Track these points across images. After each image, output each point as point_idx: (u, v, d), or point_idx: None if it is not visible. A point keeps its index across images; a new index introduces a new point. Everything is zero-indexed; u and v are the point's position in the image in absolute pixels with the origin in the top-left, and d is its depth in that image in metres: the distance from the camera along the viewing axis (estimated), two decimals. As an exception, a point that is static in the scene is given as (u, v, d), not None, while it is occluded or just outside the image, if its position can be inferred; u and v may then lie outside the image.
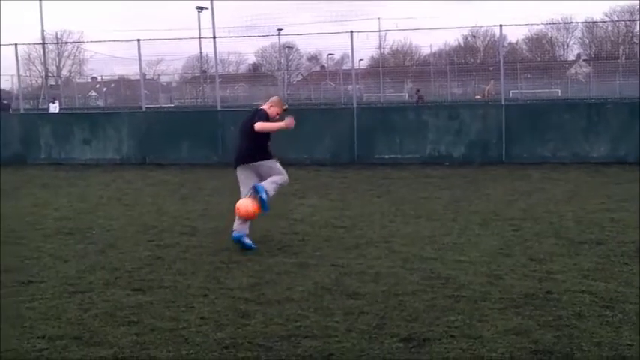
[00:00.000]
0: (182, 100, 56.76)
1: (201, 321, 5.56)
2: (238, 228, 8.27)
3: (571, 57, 75.06)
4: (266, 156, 8.51)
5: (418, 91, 32.29)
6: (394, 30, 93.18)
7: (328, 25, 61.10)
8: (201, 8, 57.28)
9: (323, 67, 75.49)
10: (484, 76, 51.46)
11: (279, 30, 59.80)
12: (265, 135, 8.49)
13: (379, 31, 60.00)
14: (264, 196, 8.27)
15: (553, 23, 75.79)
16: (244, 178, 8.50)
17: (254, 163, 8.44)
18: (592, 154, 16.61)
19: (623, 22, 74.79)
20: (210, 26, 50.01)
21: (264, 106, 8.77)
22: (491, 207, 10.68)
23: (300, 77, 77.92)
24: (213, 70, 28.13)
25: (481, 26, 64.89)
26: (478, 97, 40.38)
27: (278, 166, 8.61)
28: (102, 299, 6.19)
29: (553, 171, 15.15)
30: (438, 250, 7.90)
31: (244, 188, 8.47)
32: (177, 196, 12.79)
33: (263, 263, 7.41)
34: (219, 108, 19.94)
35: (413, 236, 8.69)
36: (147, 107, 22.61)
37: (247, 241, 8.19)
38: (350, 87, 23.94)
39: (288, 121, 8.35)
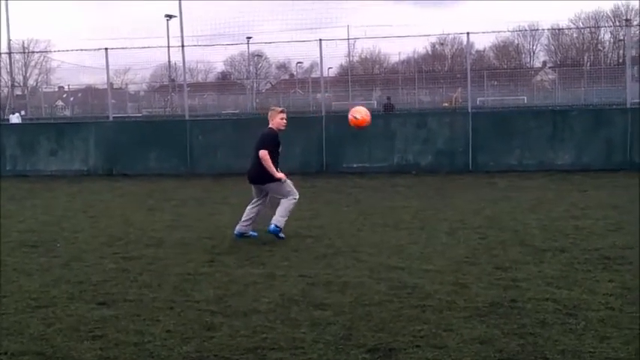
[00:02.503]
0: (150, 110, 56.37)
1: (166, 334, 5.51)
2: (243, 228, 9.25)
3: (537, 64, 75.94)
4: (266, 179, 9.16)
5: (389, 99, 32.37)
6: (363, 38, 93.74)
7: (297, 33, 61.28)
8: (170, 16, 57.01)
9: (292, 75, 75.53)
10: (452, 84, 51.88)
11: (249, 38, 59.65)
12: (271, 158, 9.11)
13: (348, 39, 60.11)
14: (280, 234, 9.12)
15: (520, 30, 76.72)
16: (256, 191, 9.43)
17: (261, 185, 9.27)
18: (557, 161, 16.83)
19: (588, 29, 75.98)
20: (179, 34, 49.76)
21: (270, 124, 9.44)
22: (458, 215, 10.75)
23: (268, 86, 77.82)
24: (182, 79, 27.97)
25: (449, 34, 65.39)
26: (446, 104, 40.68)
27: (284, 186, 9.18)
28: (65, 314, 6.12)
29: (519, 179, 15.33)
30: (405, 259, 7.94)
31: (256, 197, 9.42)
32: (144, 207, 12.70)
33: (230, 275, 7.38)
34: (187, 117, 19.84)
35: (380, 246, 8.72)
36: (114, 117, 22.45)
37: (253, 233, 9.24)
38: (319, 95, 23.96)
39: (282, 176, 9.13)
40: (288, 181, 9.24)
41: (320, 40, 18.59)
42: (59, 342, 5.41)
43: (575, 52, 76.80)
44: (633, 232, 9.12)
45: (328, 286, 6.84)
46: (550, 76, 59.73)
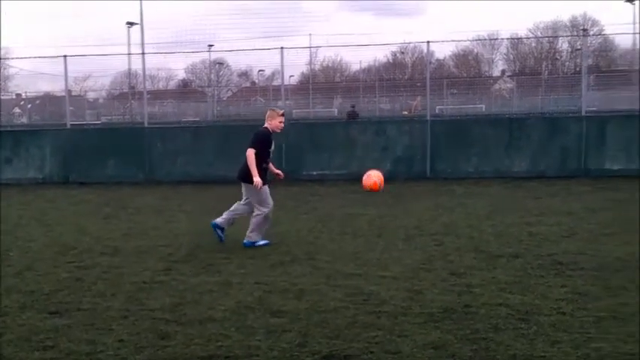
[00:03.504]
0: (109, 117, 55.78)
1: (119, 344, 5.45)
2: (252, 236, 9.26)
3: (496, 73, 76.91)
4: (245, 178, 9.14)
5: (353, 107, 32.46)
6: (325, 46, 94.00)
7: (259, 41, 61.20)
8: (131, 24, 56.66)
9: (253, 83, 75.37)
10: (412, 92, 52.24)
11: (210, 46, 59.57)
12: (260, 158, 9.10)
13: (310, 47, 60.30)
14: (258, 243, 9.22)
15: (479, 40, 77.60)
16: (242, 191, 9.41)
17: (242, 182, 9.28)
18: (513, 168, 17.07)
19: (546, 39, 77.21)
20: (140, 42, 49.46)
21: (266, 123, 9.37)
22: (415, 222, 10.83)
23: (230, 93, 77.55)
24: (142, 86, 27.75)
25: (409, 42, 65.83)
26: (405, 112, 40.94)
27: (260, 193, 9.17)
28: (17, 324, 6.02)
29: (476, 186, 15.50)
30: (362, 266, 7.97)
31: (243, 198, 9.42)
32: (100, 215, 12.56)
33: (186, 283, 7.33)
34: (146, 125, 19.67)
35: (337, 253, 8.74)
36: (72, 124, 22.16)
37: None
38: (280, 103, 23.97)
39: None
40: (266, 191, 9.23)
41: (282, 48, 18.62)
42: (10, 352, 5.33)
43: (534, 61, 78.01)
44: (586, 238, 9.29)
45: (284, 294, 6.83)
46: (508, 85, 60.56)
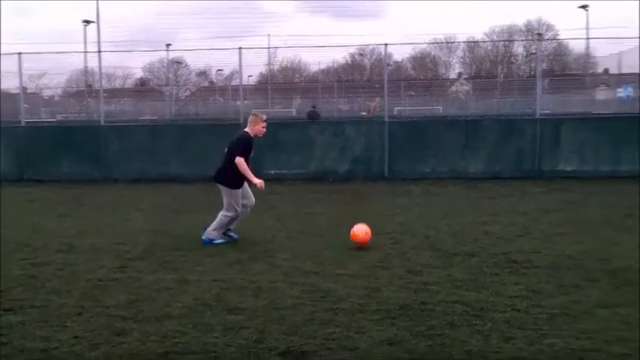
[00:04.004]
0: (65, 115, 54.93)
1: (74, 340, 5.40)
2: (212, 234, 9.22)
3: (453, 75, 77.65)
4: (230, 183, 9.19)
5: (314, 107, 32.46)
6: (283, 47, 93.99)
7: (218, 41, 60.87)
8: (87, 22, 55.88)
9: (212, 82, 74.90)
10: (370, 93, 52.43)
11: (168, 45, 59.11)
12: (234, 161, 9.09)
13: (268, 47, 60.23)
14: (216, 241, 9.25)
15: (436, 42, 78.30)
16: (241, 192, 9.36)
17: (219, 185, 9.28)
18: (469, 169, 17.27)
19: (502, 42, 78.26)
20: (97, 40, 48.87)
21: (248, 128, 9.34)
22: (372, 221, 10.85)
23: (188, 93, 76.96)
24: (99, 85, 27.40)
25: (368, 45, 66.24)
26: (364, 113, 41.09)
27: (234, 196, 9.22)
28: (-31, 321, 5.92)
29: (432, 186, 15.65)
30: (320, 264, 8.00)
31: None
32: (56, 212, 12.39)
33: (142, 280, 7.28)
34: (102, 123, 19.44)
35: (295, 251, 8.76)
36: (27, 122, 21.79)
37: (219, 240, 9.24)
38: (238, 103, 23.83)
39: (260, 183, 9.15)
40: (240, 194, 9.27)
41: (240, 48, 18.57)
42: (-39, 350, 5.23)
43: (490, 64, 79.03)
44: (539, 237, 9.46)
45: (242, 291, 6.83)
46: (465, 87, 61.18)
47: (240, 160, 9.10)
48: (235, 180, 9.23)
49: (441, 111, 45.12)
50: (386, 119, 18.37)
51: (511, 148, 17.23)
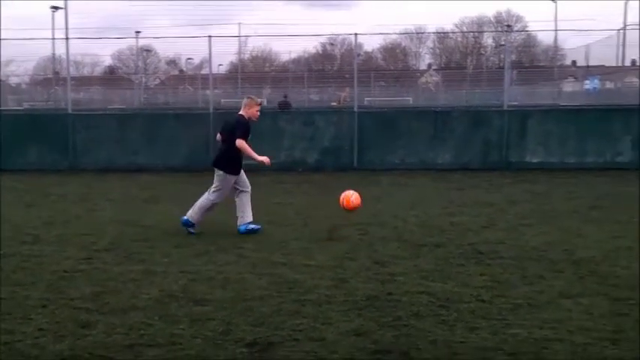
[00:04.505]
0: (32, 103, 54.20)
1: (38, 333, 5.35)
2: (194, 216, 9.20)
3: (423, 66, 78.02)
4: (230, 168, 9.15)
5: (286, 97, 32.41)
6: (254, 36, 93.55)
7: (188, 29, 60.50)
8: (55, 8, 55.14)
9: (182, 71, 74.38)
10: (341, 84, 52.46)
11: (137, 32, 58.55)
12: (235, 146, 9.02)
13: (239, 36, 59.98)
14: (191, 229, 9.24)
15: (407, 33, 78.54)
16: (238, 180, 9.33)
17: (217, 170, 9.23)
18: (438, 160, 17.38)
19: (471, 34, 78.78)
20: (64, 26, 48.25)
21: (243, 111, 9.23)
22: (341, 212, 10.89)
23: (157, 81, 76.37)
24: (66, 72, 27.04)
25: (339, 34, 66.23)
26: (334, 104, 41.09)
27: (226, 182, 9.20)
28: None
29: (401, 177, 15.73)
30: (288, 254, 8.01)
31: (239, 186, 9.37)
32: (22, 203, 12.25)
33: (109, 272, 7.24)
34: (70, 111, 19.21)
35: (264, 241, 8.76)
36: (-8, 110, 21.51)
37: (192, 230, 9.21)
38: (208, 92, 23.57)
39: (266, 159, 9.15)
40: (231, 184, 9.23)
41: (209, 36, 18.47)
42: None
43: (459, 55, 79.51)
44: (505, 228, 9.56)
45: (209, 282, 6.82)
46: (435, 78, 61.47)
47: (241, 142, 9.03)
48: (235, 165, 9.18)
49: (411, 102, 45.34)
50: (355, 110, 18.40)
51: (479, 139, 17.37)
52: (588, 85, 38.34)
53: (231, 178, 9.22)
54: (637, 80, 34.87)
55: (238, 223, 9.29)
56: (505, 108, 18.09)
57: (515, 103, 27.17)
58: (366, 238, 8.92)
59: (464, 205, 11.58)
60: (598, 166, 16.78)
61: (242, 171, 9.34)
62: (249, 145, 9.19)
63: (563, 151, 17.24)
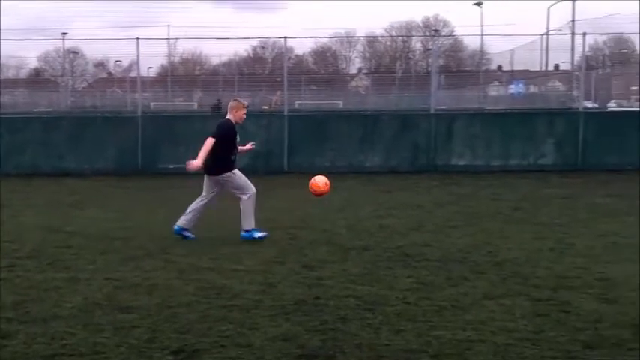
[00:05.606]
0: (-46, 107, 52.39)
1: (-45, 344, 5.19)
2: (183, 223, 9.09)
3: (353, 70, 78.61)
4: (220, 170, 9.04)
5: (219, 101, 32.27)
6: (183, 38, 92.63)
7: (117, 30, 59.46)
8: (-25, 8, 53.45)
9: (110, 73, 73.10)
10: (272, 87, 52.44)
11: (64, 34, 57.23)
12: (221, 149, 8.92)
13: (168, 38, 59.32)
14: (185, 233, 9.16)
15: (337, 37, 79.02)
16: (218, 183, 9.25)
17: (215, 178, 9.15)
18: (366, 163, 17.55)
19: (400, 38, 79.79)
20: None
21: (229, 115, 9.16)
22: (270, 216, 10.89)
23: (85, 84, 74.88)
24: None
25: (269, 38, 66.26)
26: (265, 107, 41.05)
27: (236, 181, 9.08)
28: None
29: (331, 180, 15.69)
30: (215, 259, 7.96)
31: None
32: (-61, 209, 11.82)
33: (31, 279, 7.06)
34: (-8, 115, 18.68)
35: (191, 246, 8.69)
36: None
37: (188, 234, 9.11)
38: (137, 95, 23.18)
39: (192, 165, 8.90)
40: (239, 175, 9.15)
41: (137, 38, 18.22)
42: None
43: (389, 59, 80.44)
44: (432, 230, 9.73)
45: (135, 289, 6.73)
46: (365, 82, 61.96)
47: (209, 140, 8.88)
48: (224, 165, 9.03)
49: (342, 105, 45.61)
50: (286, 113, 18.43)
51: (407, 142, 17.61)
52: (513, 89, 39.31)
53: (233, 175, 9.10)
54: (560, 84, 35.95)
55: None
56: (432, 112, 18.39)
57: (443, 107, 27.61)
58: (295, 242, 8.94)
59: (392, 208, 11.73)
60: (522, 169, 17.22)
61: (240, 174, 9.19)
62: (235, 148, 9.17)
63: (488, 154, 17.63)
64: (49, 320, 5.76)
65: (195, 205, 9.31)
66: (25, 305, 6.17)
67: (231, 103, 9.35)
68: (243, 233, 9.04)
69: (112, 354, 5.05)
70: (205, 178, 9.28)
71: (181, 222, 9.19)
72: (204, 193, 9.35)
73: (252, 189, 9.17)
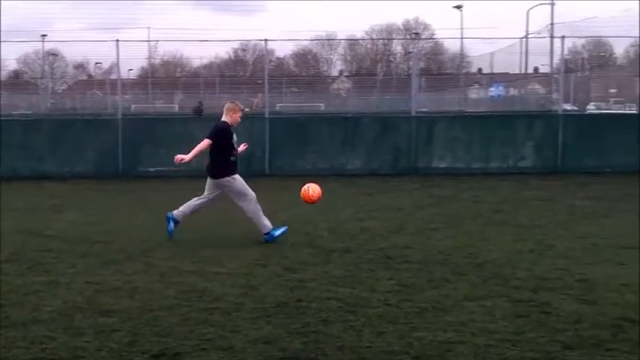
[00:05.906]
0: None
1: None
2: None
3: (334, 72, 78.75)
4: (222, 173, 9.14)
5: (200, 103, 32.23)
6: (164, 40, 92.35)
7: (97, 32, 59.12)
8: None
9: (90, 76, 72.69)
10: (253, 89, 52.40)
11: (43, 36, 56.95)
12: (220, 151, 9.03)
13: (148, 40, 58.93)
14: (171, 225, 9.34)
15: (318, 39, 79.14)
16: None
17: (217, 182, 9.25)
18: (348, 166, 17.57)
19: (381, 41, 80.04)
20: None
21: (225, 117, 9.17)
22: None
23: (65, 86, 74.40)
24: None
25: (250, 40, 66.18)
26: (247, 110, 41.10)
27: (237, 185, 9.14)
28: None
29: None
30: (197, 262, 7.95)
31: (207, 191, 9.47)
32: None
33: (10, 283, 7.00)
34: (-30, 117, 18.51)
35: (173, 250, 8.67)
36: None
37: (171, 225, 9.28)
38: (117, 97, 23.06)
39: (179, 158, 9.17)
40: (239, 180, 9.20)
41: (117, 40, 18.14)
42: None
43: (370, 62, 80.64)
44: (413, 232, 9.77)
45: (116, 292, 6.70)
46: (346, 85, 62.12)
47: (205, 141, 8.97)
48: (225, 167, 9.11)
49: (323, 108, 45.67)
50: (267, 116, 18.43)
51: (388, 145, 17.65)
52: (493, 92, 39.56)
53: (234, 180, 9.16)
54: (539, 87, 36.22)
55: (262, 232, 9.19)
56: (413, 114, 18.46)
57: (424, 109, 27.73)
58: (277, 245, 8.93)
59: (373, 210, 11.75)
60: (502, 171, 17.32)
61: (241, 179, 9.22)
62: (233, 149, 9.23)
63: (469, 156, 17.71)
64: (29, 324, 5.72)
65: (193, 201, 9.44)
66: (4, 309, 6.12)
67: (227, 105, 9.37)
68: (265, 237, 9.10)
69: (93, 358, 5.02)
70: (208, 179, 9.38)
71: (176, 212, 9.43)
72: (204, 193, 9.46)
73: (252, 194, 9.24)
